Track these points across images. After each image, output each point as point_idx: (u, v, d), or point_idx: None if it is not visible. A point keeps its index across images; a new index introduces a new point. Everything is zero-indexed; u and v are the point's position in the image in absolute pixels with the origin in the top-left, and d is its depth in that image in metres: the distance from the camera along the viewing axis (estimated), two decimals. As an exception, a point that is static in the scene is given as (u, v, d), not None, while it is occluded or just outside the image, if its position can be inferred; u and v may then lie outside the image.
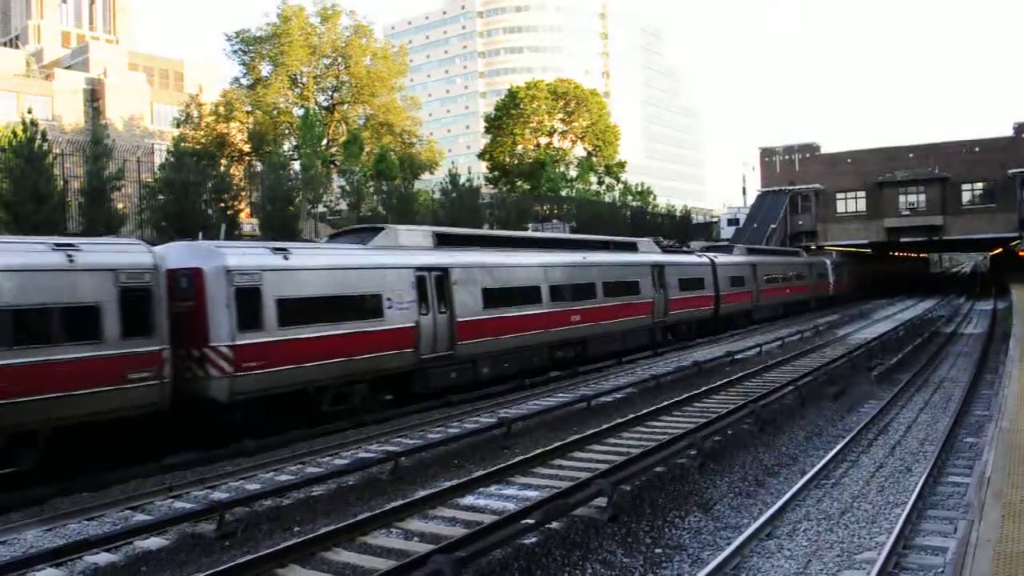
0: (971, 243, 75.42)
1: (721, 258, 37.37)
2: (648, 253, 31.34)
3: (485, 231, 29.18)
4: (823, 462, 13.43)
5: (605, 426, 15.77)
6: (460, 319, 20.03)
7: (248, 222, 35.68)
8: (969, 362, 25.45)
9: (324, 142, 49.29)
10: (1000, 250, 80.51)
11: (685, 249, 39.47)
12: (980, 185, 58.01)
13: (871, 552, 9.47)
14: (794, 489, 11.92)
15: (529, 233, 29.39)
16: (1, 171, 26.09)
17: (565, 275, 24.64)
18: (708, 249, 41.33)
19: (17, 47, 71.89)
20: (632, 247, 31.34)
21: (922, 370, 23.98)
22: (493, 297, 21.28)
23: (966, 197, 58.44)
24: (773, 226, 59.09)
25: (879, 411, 17.77)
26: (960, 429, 15.77)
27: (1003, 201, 56.26)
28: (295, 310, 15.97)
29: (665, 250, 33.61)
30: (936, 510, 10.97)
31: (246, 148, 51.00)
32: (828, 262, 54.56)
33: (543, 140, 64.69)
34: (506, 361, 21.87)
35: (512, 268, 22.67)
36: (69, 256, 13.10)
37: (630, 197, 66.38)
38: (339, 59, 54.95)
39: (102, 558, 9.43)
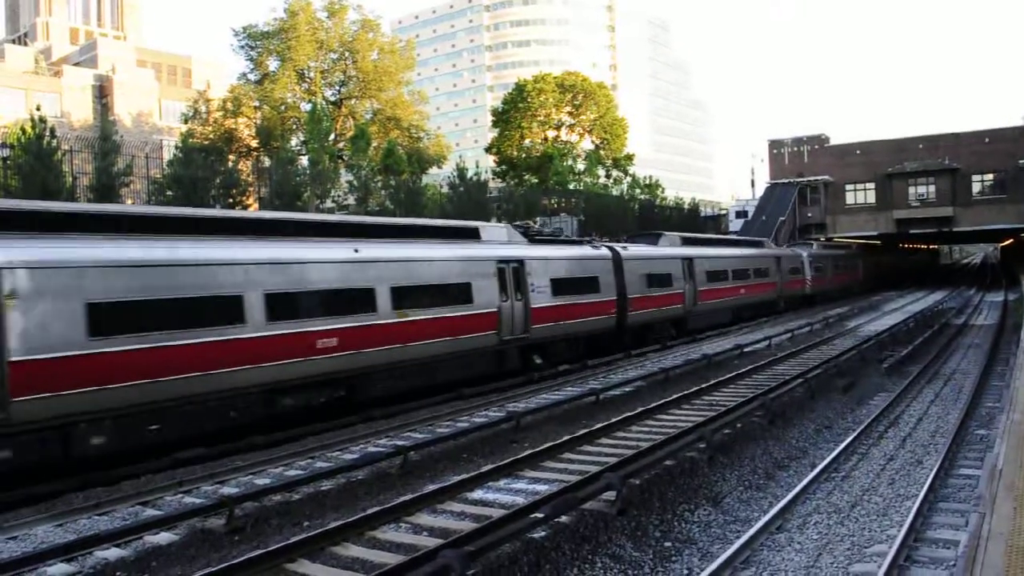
0: (981, 234, 75.00)
1: (633, 250, 28.54)
2: (495, 245, 22.04)
3: (121, 207, 18.54)
4: (833, 455, 13.37)
5: (614, 419, 15.74)
6: (24, 358, 11.77)
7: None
8: (980, 354, 25.32)
9: (331, 137, 49.37)
10: (1011, 241, 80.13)
11: (581, 239, 29.54)
12: (990, 176, 57.63)
13: (882, 545, 9.43)
14: (804, 482, 11.87)
15: (235, 213, 21.02)
16: (10, 167, 26.23)
17: (306, 277, 16.11)
18: (632, 239, 32.40)
19: (26, 44, 72.15)
20: (470, 234, 22.02)
21: (932, 362, 23.87)
22: (116, 317, 12.94)
23: (976, 188, 58.08)
24: (782, 218, 58.86)
25: (889, 403, 17.69)
26: (971, 421, 15.68)
27: (1013, 192, 55.89)
28: None
29: (534, 239, 24.31)
30: (947, 503, 10.92)
31: (254, 143, 51.11)
32: (805, 254, 47.74)
33: (551, 133, 64.62)
34: (154, 422, 13.47)
35: (170, 269, 13.90)
36: None
37: (638, 190, 66.25)
38: (346, 54, 54.99)
39: (112, 553, 9.46)
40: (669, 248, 32.04)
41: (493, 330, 20.66)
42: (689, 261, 31.70)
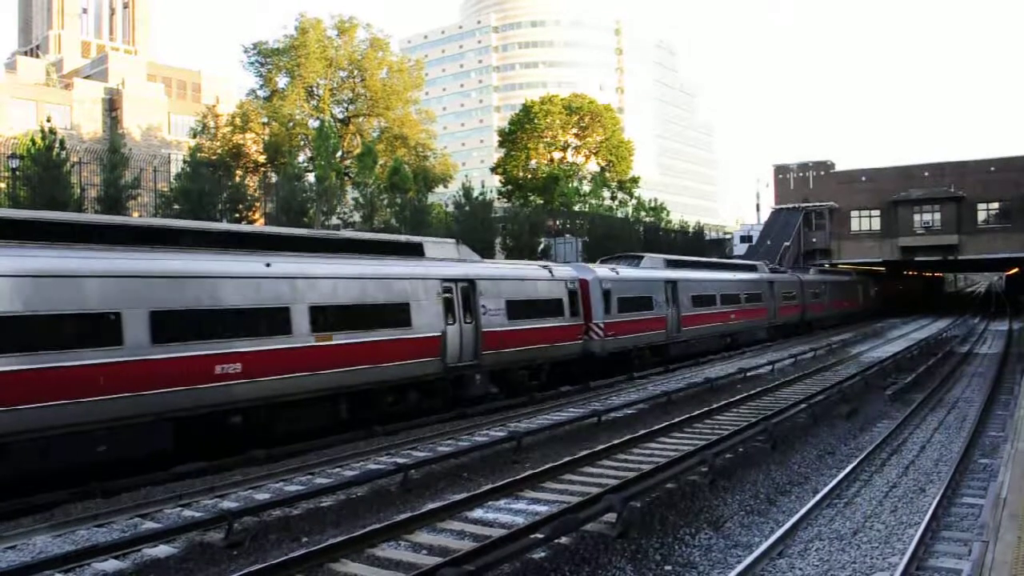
0: (986, 263, 74.99)
1: None
2: None
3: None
4: (836, 481, 13.29)
5: (616, 441, 15.69)
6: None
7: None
8: (984, 382, 25.21)
9: (339, 154, 49.54)
10: (1016, 270, 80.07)
11: None
12: (996, 204, 57.67)
13: (883, 573, 9.36)
14: (806, 508, 11.79)
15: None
16: (19, 178, 26.36)
17: None
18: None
19: (38, 56, 72.75)
20: None
21: (936, 390, 23.76)
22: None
23: (981, 216, 58.11)
24: (787, 243, 58.89)
25: (893, 430, 17.61)
26: (975, 450, 15.59)
27: (1019, 221, 55.91)
28: None
29: None
30: (950, 531, 10.83)
31: (261, 159, 51.36)
32: (594, 276, 26.43)
33: (557, 155, 64.86)
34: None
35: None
36: None
37: (643, 213, 66.36)
38: (355, 72, 55.37)
39: (110, 565, 9.43)
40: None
41: None
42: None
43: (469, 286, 20.46)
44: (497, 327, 21.04)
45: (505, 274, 22.74)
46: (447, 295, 19.64)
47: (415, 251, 20.48)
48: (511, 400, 21.63)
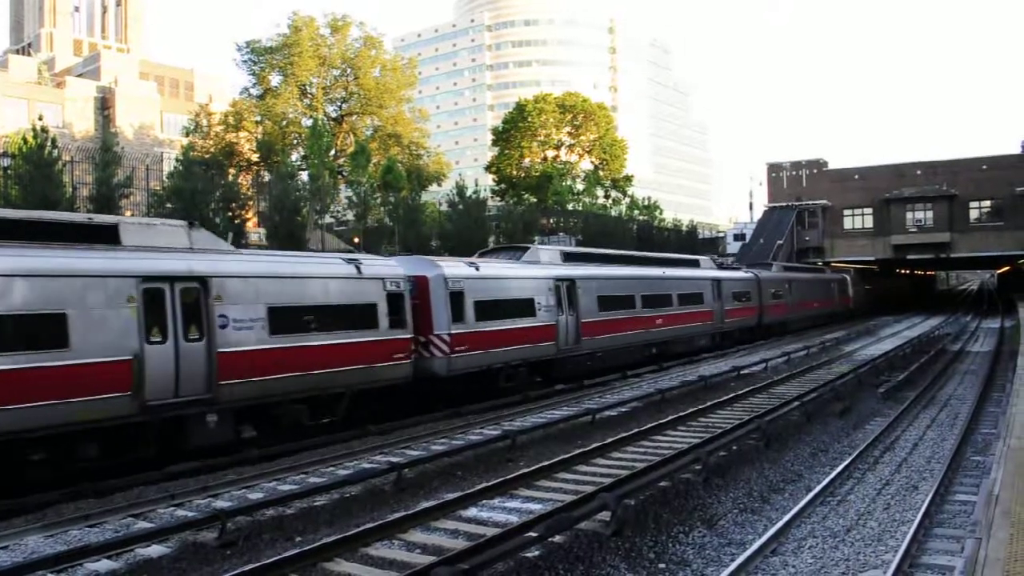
0: (978, 261, 75.18)
1: None
2: None
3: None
4: (829, 479, 13.32)
5: (610, 440, 15.69)
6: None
7: (255, 231, 35.84)
8: (976, 380, 25.28)
9: (332, 153, 49.48)
10: (1008, 268, 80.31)
11: None
12: (988, 203, 57.87)
13: (876, 570, 9.38)
14: (799, 506, 11.82)
15: None
16: (10, 177, 26.26)
17: None
18: None
19: (29, 55, 72.47)
20: None
21: (929, 387, 23.82)
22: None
23: (974, 214, 58.29)
24: (780, 242, 58.93)
25: (885, 428, 17.65)
26: (967, 447, 15.64)
27: (1011, 219, 56.08)
28: None
29: None
30: (943, 528, 10.86)
31: (254, 157, 51.28)
32: (444, 273, 20.28)
33: (550, 153, 64.82)
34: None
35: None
36: None
37: (637, 211, 66.39)
38: (348, 70, 55.30)
39: (103, 565, 9.40)
40: None
41: None
42: None
43: (198, 287, 14.38)
44: (251, 345, 15.01)
45: (266, 270, 16.15)
46: (153, 301, 13.67)
47: (101, 236, 14.07)
48: (267, 449, 15.35)
